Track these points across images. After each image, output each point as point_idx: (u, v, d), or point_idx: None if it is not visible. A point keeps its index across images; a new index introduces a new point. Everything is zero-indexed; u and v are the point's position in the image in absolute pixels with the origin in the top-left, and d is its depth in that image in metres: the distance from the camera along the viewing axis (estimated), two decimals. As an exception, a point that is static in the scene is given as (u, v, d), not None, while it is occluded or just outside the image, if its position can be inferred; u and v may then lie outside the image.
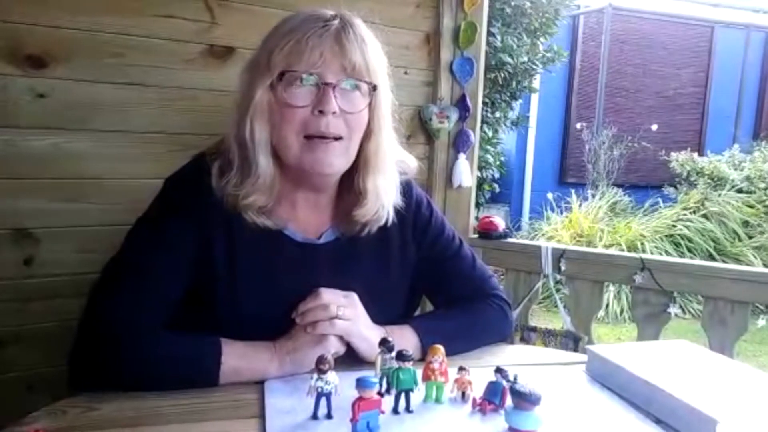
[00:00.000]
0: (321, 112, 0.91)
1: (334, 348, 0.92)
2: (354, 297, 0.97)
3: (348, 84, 0.93)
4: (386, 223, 1.04)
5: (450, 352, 0.86)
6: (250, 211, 0.95)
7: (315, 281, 0.97)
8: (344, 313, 0.93)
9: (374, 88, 0.96)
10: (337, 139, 0.93)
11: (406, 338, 0.97)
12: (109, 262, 0.95)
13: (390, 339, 0.83)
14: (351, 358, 0.94)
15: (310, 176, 0.97)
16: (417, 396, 0.82)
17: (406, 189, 1.10)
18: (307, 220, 1.03)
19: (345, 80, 0.92)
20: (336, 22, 0.93)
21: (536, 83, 4.60)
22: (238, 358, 0.89)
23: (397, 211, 1.06)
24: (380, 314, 0.99)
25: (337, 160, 0.95)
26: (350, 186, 1.01)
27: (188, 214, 0.95)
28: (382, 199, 1.02)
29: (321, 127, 0.91)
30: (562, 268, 1.95)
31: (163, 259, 0.93)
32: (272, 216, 0.97)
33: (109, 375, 0.87)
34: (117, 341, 0.87)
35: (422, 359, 0.88)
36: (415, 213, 1.11)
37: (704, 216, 5.31)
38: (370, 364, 0.86)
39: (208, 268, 0.95)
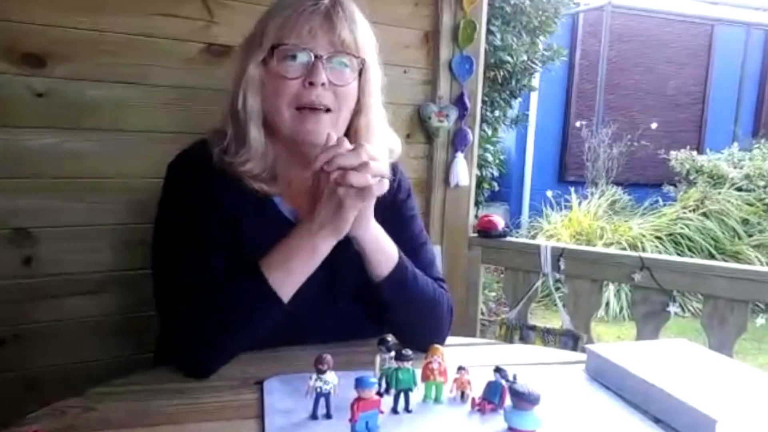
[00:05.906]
0: (311, 83, 0.95)
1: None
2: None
3: (337, 59, 0.97)
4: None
5: (403, 311, 0.96)
6: (248, 177, 0.99)
7: None
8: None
9: (363, 63, 0.99)
10: (327, 111, 0.97)
11: (391, 249, 0.99)
12: (156, 248, 0.99)
13: (389, 339, 0.83)
14: (349, 357, 0.94)
15: (302, 148, 1.00)
16: (416, 396, 0.82)
17: (393, 170, 1.10)
18: (302, 200, 1.03)
19: (334, 55, 0.96)
20: (326, 1, 0.97)
21: (536, 82, 4.58)
22: (278, 266, 0.92)
23: None
24: (361, 289, 1.02)
25: (327, 130, 0.96)
26: None
27: (196, 190, 0.98)
28: None
29: (311, 97, 0.96)
30: (562, 266, 1.95)
31: (202, 228, 0.97)
32: (270, 185, 1.01)
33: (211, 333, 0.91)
34: (203, 307, 0.91)
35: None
36: (394, 193, 1.11)
37: (704, 214, 5.31)
38: (369, 365, 0.86)
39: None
